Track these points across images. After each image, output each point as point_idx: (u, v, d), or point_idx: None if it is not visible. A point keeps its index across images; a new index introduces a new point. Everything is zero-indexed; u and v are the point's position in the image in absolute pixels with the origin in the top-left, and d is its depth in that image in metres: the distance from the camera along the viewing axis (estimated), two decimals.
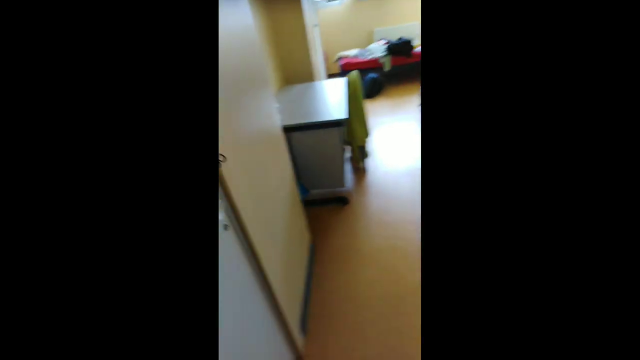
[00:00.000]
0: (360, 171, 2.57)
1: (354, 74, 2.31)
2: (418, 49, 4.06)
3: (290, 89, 2.50)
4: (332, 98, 2.17)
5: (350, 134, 2.27)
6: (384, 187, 2.33)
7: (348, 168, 2.61)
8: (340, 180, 2.14)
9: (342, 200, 2.23)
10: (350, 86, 2.22)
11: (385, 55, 4.06)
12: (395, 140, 2.94)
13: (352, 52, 4.43)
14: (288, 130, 1.86)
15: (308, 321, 1.49)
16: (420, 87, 3.60)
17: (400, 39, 4.16)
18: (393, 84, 4.31)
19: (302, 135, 1.91)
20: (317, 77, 2.85)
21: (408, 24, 4.55)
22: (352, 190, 2.36)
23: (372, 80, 3.98)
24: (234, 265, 0.86)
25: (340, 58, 4.35)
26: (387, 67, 4.09)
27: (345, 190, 2.35)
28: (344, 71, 4.10)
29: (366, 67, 4.15)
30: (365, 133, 2.45)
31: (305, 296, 1.55)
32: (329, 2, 4.52)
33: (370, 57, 4.19)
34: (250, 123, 1.06)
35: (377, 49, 4.20)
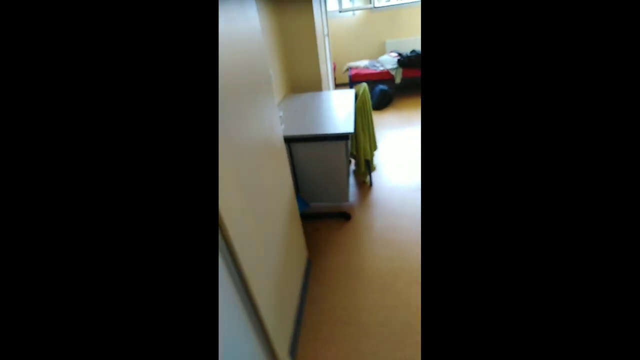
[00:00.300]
0: (365, 186, 2.49)
1: (363, 85, 2.25)
2: None
3: (297, 98, 2.45)
4: (339, 109, 2.11)
5: (357, 147, 2.19)
6: (390, 203, 2.24)
7: (352, 182, 2.53)
8: (344, 195, 2.06)
9: (344, 216, 2.15)
10: (359, 98, 2.16)
11: (396, 68, 4.01)
12: (404, 154, 2.86)
13: (362, 63, 4.39)
14: (290, 140, 1.79)
15: (299, 345, 1.40)
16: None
17: (413, 51, 4.11)
18: (403, 96, 4.23)
19: (305, 146, 1.84)
20: (324, 87, 2.79)
21: (420, 37, 4.46)
22: (356, 205, 2.28)
23: (381, 92, 3.91)
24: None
25: (349, 68, 4.31)
26: (398, 80, 4.03)
27: (348, 204, 2.27)
28: (352, 82, 4.06)
29: (376, 79, 4.09)
30: (373, 146, 2.37)
31: (297, 317, 1.45)
32: (341, 13, 4.50)
33: (380, 68, 4.13)
34: (248, 134, 0.99)
35: (388, 61, 4.15)
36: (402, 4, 4.44)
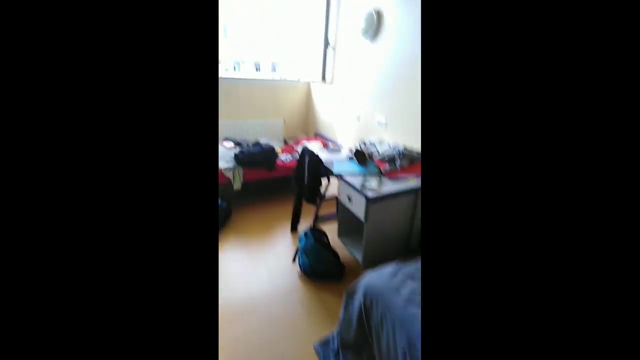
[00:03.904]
0: None
1: None
2: (283, 157, 2.88)
3: None
4: None
5: None
6: None
7: None
8: None
9: None
10: None
11: (234, 167, 2.62)
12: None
13: None
14: None
15: None
16: (293, 214, 2.45)
17: (257, 144, 2.91)
18: (247, 210, 2.72)
19: None
20: None
21: (262, 120, 3.49)
22: None
23: None
24: None
25: None
26: (237, 185, 2.64)
27: None
28: None
29: None
30: None
31: None
32: None
33: None
34: None
35: (221, 155, 2.78)
36: (238, 78, 3.43)
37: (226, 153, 2.74)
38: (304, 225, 2.42)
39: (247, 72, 5.71)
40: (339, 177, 1.83)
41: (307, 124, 3.81)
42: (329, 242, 1.94)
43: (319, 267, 1.82)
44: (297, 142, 3.30)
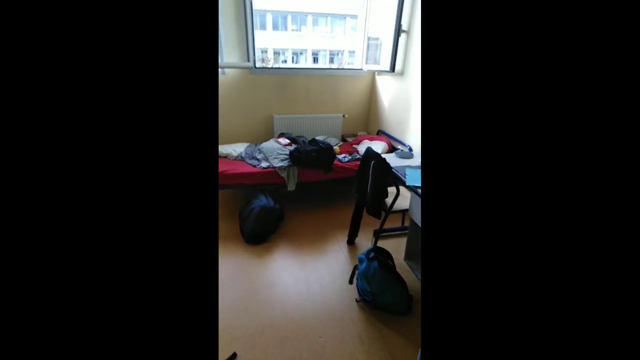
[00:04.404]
0: None
1: None
2: (341, 157, 2.61)
3: None
4: None
5: None
6: None
7: None
8: None
9: None
10: None
11: (288, 166, 2.39)
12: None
13: (237, 148, 2.73)
14: None
15: None
16: (352, 221, 2.15)
17: (314, 141, 2.62)
18: (300, 214, 2.49)
19: None
20: None
21: (319, 115, 3.25)
22: None
23: (263, 211, 2.13)
24: None
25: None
26: (291, 186, 2.40)
27: None
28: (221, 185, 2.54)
29: (256, 183, 2.39)
30: None
31: None
32: None
33: (264, 165, 2.47)
34: None
35: (275, 152, 2.55)
36: (295, 68, 3.19)
37: (281, 151, 2.53)
38: (363, 238, 2.13)
39: (305, 62, 5.54)
40: (413, 189, 1.49)
41: (369, 120, 3.46)
42: (394, 266, 1.62)
43: (383, 298, 1.51)
44: (358, 141, 2.98)
